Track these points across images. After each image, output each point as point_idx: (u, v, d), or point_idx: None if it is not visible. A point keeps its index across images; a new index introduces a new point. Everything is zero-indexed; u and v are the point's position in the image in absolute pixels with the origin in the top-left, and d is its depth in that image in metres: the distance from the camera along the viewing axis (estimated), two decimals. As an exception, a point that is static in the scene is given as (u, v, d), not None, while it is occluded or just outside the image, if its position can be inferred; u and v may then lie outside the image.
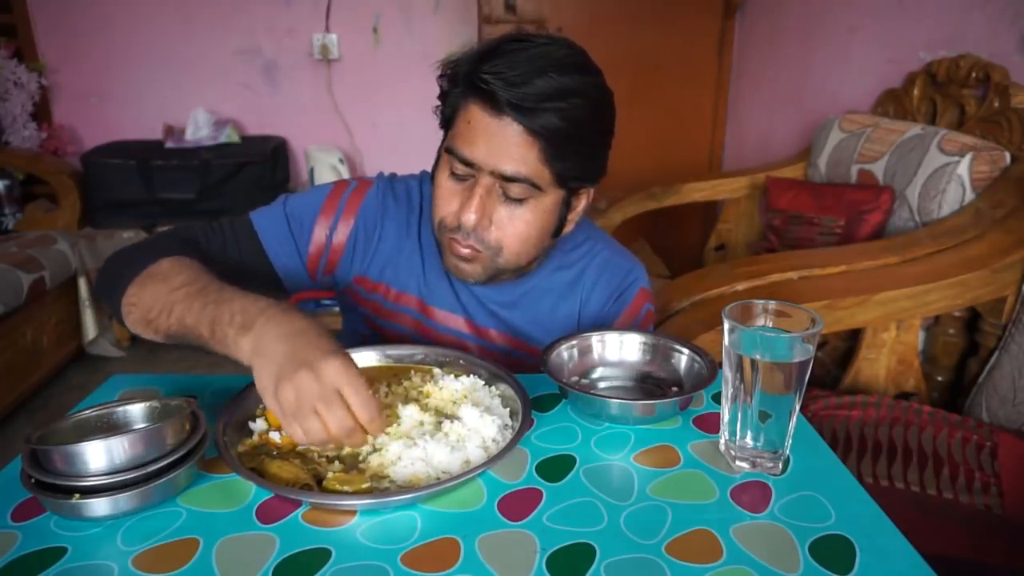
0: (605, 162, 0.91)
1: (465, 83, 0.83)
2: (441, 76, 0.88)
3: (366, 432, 0.67)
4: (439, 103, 0.89)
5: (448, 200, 0.88)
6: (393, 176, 1.04)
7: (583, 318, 1.03)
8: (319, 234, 0.97)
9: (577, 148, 0.84)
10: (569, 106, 0.80)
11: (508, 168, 0.82)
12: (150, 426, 0.66)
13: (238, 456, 0.69)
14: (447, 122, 0.88)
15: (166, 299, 0.77)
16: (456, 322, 1.01)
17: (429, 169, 1.05)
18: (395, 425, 0.73)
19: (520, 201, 0.86)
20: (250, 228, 0.95)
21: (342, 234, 0.98)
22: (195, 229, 0.94)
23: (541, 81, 0.79)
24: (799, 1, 2.69)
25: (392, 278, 1.00)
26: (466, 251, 0.88)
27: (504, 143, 0.81)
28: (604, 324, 1.02)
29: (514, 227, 0.87)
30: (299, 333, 0.67)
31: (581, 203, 0.94)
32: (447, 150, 0.87)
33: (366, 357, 0.87)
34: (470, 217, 0.85)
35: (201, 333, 0.73)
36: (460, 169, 0.85)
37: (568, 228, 0.94)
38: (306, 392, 0.63)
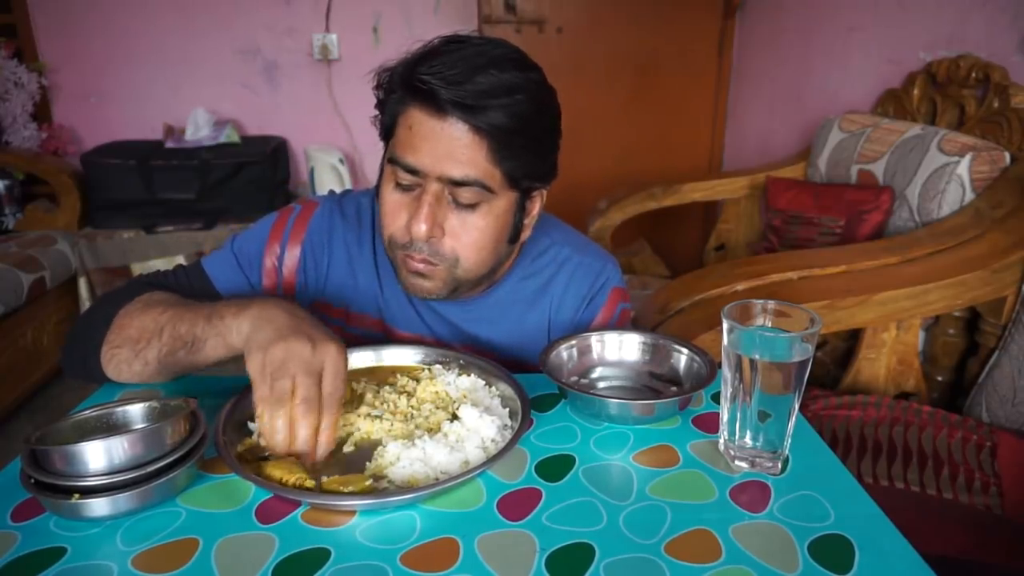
0: (555, 162, 0.88)
1: (403, 86, 0.80)
2: (376, 86, 0.84)
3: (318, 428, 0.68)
4: (377, 113, 0.85)
5: (396, 214, 0.83)
6: (345, 193, 1.01)
7: (554, 326, 0.99)
8: (269, 266, 0.94)
9: (525, 145, 0.81)
10: (514, 102, 0.77)
11: (456, 172, 0.79)
12: (150, 426, 0.66)
13: (237, 456, 0.69)
14: (387, 132, 0.84)
15: (154, 324, 0.78)
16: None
17: None
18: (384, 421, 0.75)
19: (472, 207, 0.82)
20: (202, 273, 0.94)
21: (291, 262, 0.95)
22: (147, 277, 0.93)
23: (482, 78, 0.76)
24: (799, 1, 2.68)
25: (351, 301, 0.97)
26: (421, 266, 0.84)
27: (450, 145, 0.78)
28: (580, 329, 0.98)
29: (468, 235, 0.83)
30: (302, 316, 0.72)
31: (536, 207, 0.90)
32: (390, 160, 0.83)
33: (363, 357, 0.88)
34: (420, 227, 0.80)
35: (195, 333, 0.75)
36: (406, 179, 0.81)
37: (526, 234, 0.91)
38: (297, 356, 0.67)
